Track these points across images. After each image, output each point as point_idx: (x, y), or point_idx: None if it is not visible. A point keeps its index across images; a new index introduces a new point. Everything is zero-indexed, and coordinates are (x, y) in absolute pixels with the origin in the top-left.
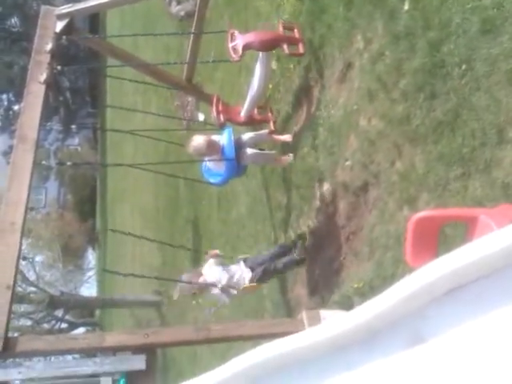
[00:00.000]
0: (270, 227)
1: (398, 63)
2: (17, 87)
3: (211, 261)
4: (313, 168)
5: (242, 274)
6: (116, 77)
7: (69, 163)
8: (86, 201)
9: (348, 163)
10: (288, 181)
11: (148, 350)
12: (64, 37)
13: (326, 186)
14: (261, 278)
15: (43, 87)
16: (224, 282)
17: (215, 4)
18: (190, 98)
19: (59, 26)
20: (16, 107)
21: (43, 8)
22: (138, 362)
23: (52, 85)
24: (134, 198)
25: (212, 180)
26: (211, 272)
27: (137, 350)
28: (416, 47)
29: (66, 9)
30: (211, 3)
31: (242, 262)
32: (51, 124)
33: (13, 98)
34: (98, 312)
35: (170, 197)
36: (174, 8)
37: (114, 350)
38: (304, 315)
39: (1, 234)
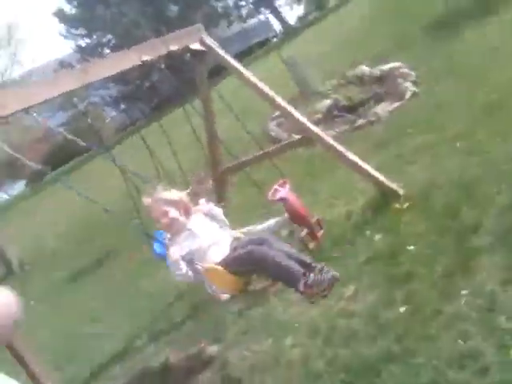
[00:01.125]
0: (147, 335)
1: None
2: (121, 38)
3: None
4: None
5: (218, 247)
6: (185, 113)
7: (89, 120)
8: (57, 151)
9: (246, 353)
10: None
11: None
12: (188, 55)
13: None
14: (231, 263)
15: (138, 63)
16: (193, 246)
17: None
18: (209, 184)
19: (195, 45)
20: (106, 51)
21: (197, 25)
22: None
23: (145, 69)
24: (92, 187)
25: (156, 247)
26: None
27: None
28: None
29: (208, 40)
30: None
31: (231, 231)
32: (110, 85)
33: (112, 44)
34: None
35: (119, 213)
36: (271, 127)
37: None
38: None
39: None
